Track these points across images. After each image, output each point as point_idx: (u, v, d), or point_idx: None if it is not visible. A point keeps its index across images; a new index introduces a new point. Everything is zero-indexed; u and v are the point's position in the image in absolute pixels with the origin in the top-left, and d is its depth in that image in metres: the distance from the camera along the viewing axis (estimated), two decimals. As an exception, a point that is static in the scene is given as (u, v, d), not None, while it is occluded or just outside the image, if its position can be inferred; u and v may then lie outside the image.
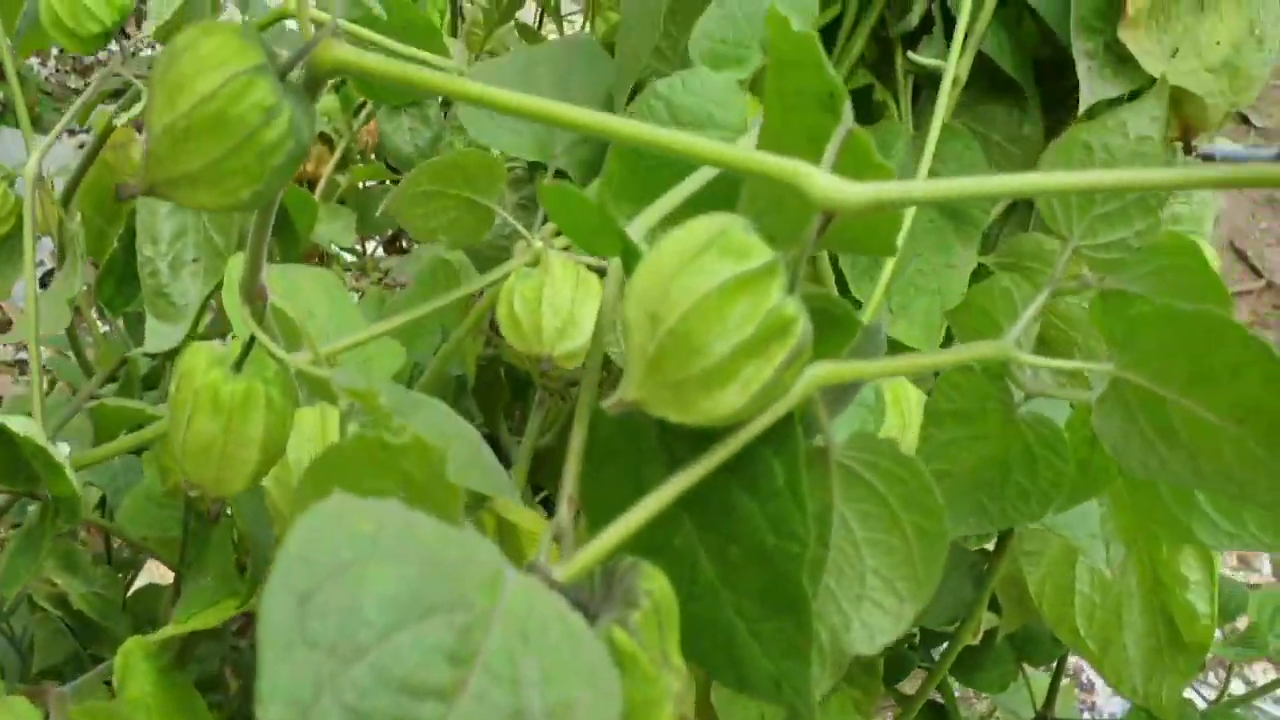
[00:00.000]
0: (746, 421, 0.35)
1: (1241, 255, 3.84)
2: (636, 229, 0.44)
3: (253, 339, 0.50)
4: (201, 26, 0.37)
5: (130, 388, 0.95)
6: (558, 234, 0.70)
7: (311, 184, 1.29)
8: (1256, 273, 3.52)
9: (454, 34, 1.16)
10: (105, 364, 1.06)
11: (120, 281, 0.99)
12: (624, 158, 0.52)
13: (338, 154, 1.25)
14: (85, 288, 1.01)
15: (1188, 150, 0.74)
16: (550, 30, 1.49)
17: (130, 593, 0.95)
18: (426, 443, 0.34)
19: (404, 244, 1.58)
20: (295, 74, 0.39)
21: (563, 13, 1.43)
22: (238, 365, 0.51)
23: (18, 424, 0.63)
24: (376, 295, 1.05)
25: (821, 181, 0.33)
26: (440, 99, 0.92)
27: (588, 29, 1.43)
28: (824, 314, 0.37)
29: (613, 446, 0.38)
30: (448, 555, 0.27)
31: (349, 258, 1.51)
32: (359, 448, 0.34)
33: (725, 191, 0.49)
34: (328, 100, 1.23)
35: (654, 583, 0.32)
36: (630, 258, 0.37)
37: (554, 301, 0.63)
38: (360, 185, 1.36)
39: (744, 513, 0.36)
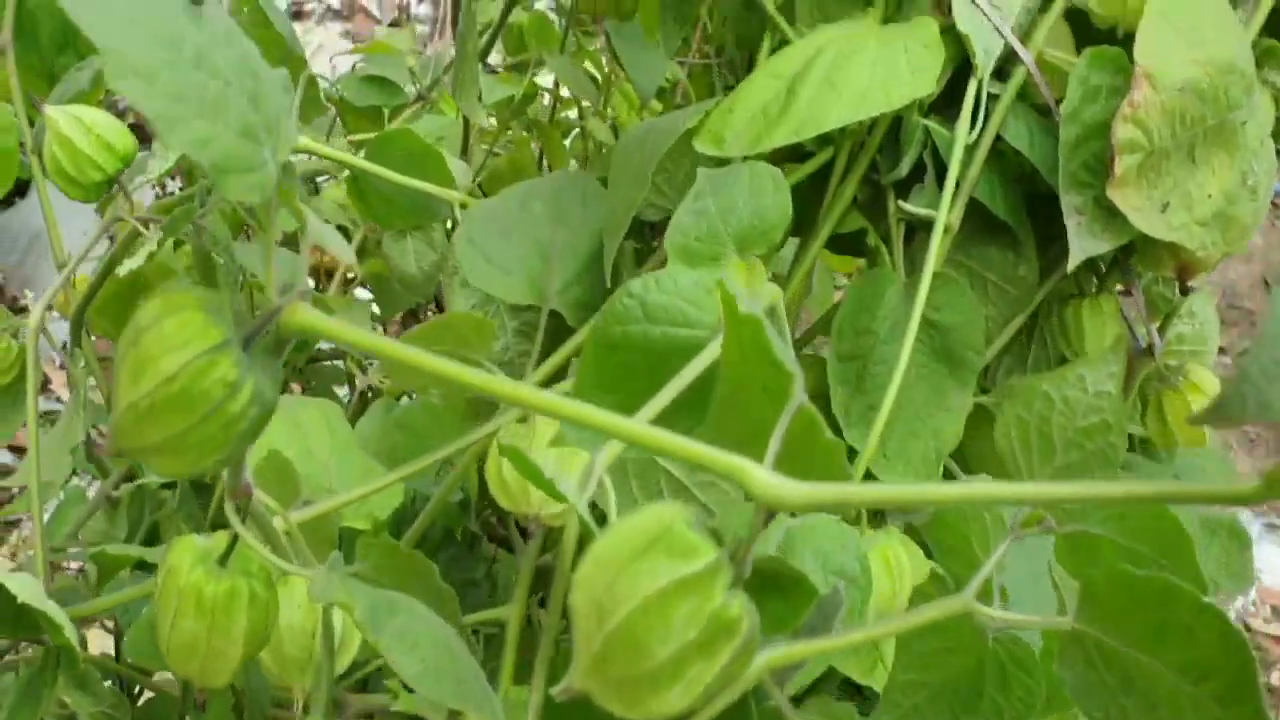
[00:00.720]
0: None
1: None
2: (601, 459, 0.44)
3: (236, 537, 0.51)
4: (165, 300, 0.37)
5: (141, 500, 0.97)
6: (547, 384, 0.70)
7: (329, 274, 1.31)
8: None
9: (466, 136, 1.16)
10: (121, 462, 1.07)
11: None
12: (597, 351, 0.53)
13: (354, 243, 1.26)
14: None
15: (1184, 291, 0.74)
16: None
17: (141, 701, 0.96)
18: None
19: (424, 316, 1.58)
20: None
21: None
22: (223, 560, 0.52)
23: (16, 584, 0.64)
24: (386, 401, 1.05)
25: (761, 480, 0.33)
26: (446, 221, 0.93)
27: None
28: (777, 580, 0.37)
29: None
30: None
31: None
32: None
33: (694, 401, 0.50)
34: (340, 191, 1.24)
35: None
36: (585, 530, 0.38)
37: (541, 461, 0.63)
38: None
39: (699, 785, 0.36)
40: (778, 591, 0.37)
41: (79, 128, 0.73)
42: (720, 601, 0.33)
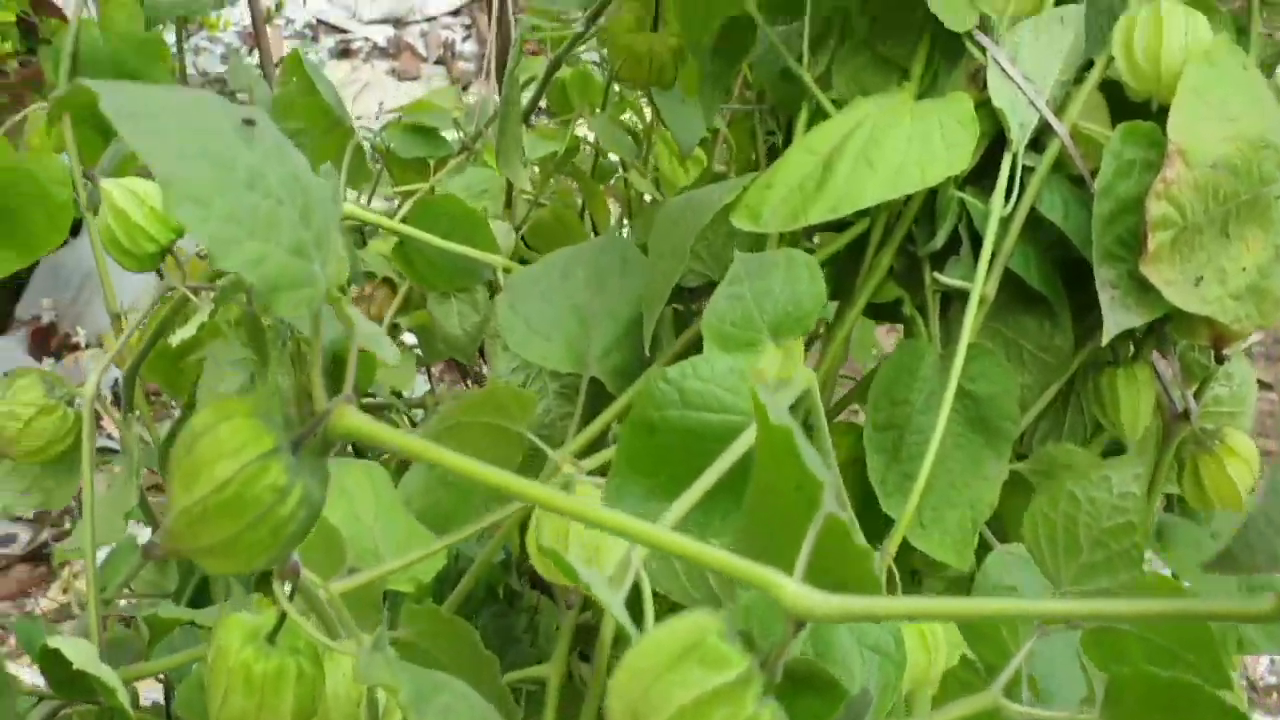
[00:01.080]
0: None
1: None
2: (637, 554, 0.45)
3: (284, 615, 0.53)
4: (218, 408, 0.39)
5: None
6: (585, 454, 0.71)
7: (376, 324, 1.32)
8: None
9: (510, 188, 1.18)
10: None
11: (183, 448, 1.02)
12: (635, 434, 0.54)
13: (400, 297, 1.28)
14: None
15: (1219, 360, 0.74)
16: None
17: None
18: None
19: (469, 365, 1.60)
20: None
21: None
22: (271, 637, 0.53)
23: (72, 650, 0.66)
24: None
25: (790, 592, 0.34)
26: (488, 283, 0.95)
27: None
28: (810, 679, 0.38)
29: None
30: None
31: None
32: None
33: (731, 483, 0.51)
34: (387, 244, 1.26)
35: None
36: (622, 632, 0.39)
37: (580, 534, 0.65)
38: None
39: None
40: (811, 690, 0.38)
41: (133, 200, 0.76)
42: (752, 711, 0.34)
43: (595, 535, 0.65)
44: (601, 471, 0.70)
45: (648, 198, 1.40)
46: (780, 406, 0.38)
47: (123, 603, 1.07)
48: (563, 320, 0.76)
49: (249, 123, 0.39)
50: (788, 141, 0.83)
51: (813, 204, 0.66)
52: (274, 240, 0.37)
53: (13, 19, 2.31)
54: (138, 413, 1.02)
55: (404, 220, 0.94)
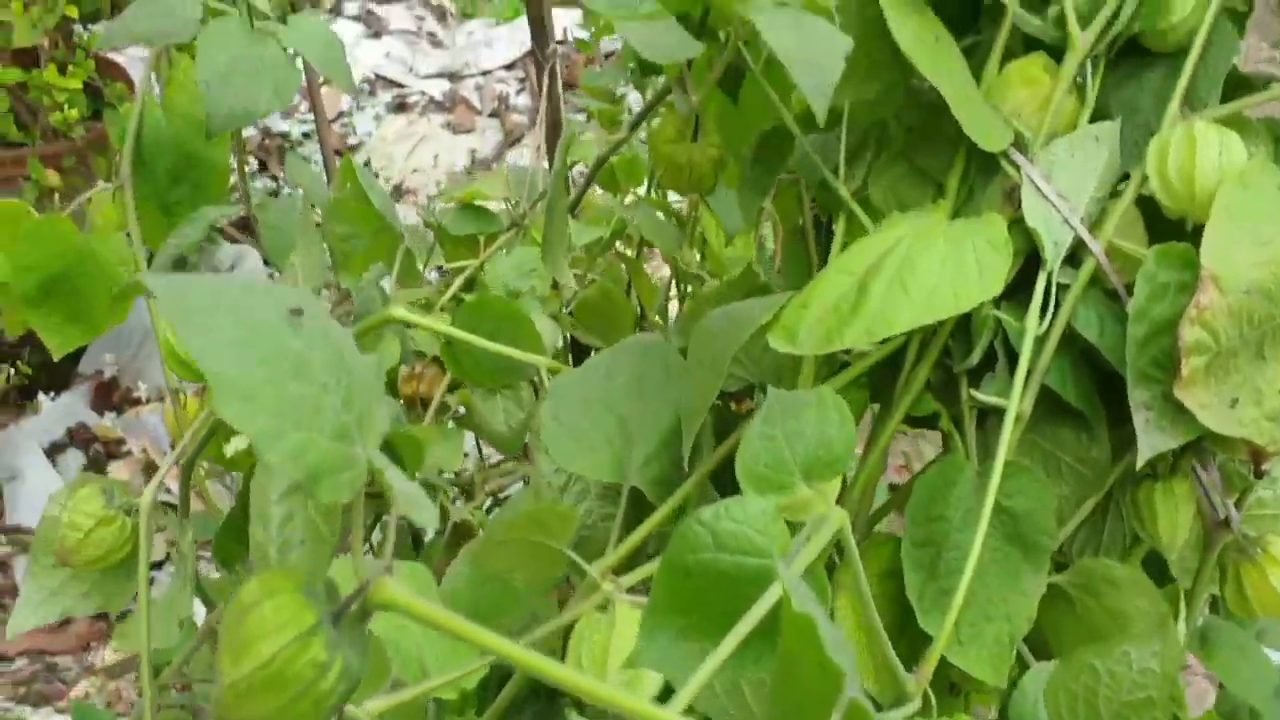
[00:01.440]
0: None
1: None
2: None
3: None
4: (264, 583, 0.41)
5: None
6: (623, 570, 0.73)
7: (424, 403, 1.35)
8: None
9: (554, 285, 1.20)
10: (225, 595, 1.12)
11: (239, 535, 1.05)
12: (670, 576, 0.56)
13: (449, 374, 1.30)
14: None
15: (1258, 475, 0.74)
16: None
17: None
18: None
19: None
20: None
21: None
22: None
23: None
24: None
25: (813, 788, 0.35)
26: (531, 381, 0.97)
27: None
28: None
29: None
30: None
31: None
32: None
33: (767, 628, 0.52)
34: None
35: None
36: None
37: (620, 652, 0.66)
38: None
39: None
40: None
41: (191, 313, 0.78)
42: None
43: (627, 684, 0.66)
44: (643, 587, 0.71)
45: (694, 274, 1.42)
46: (806, 592, 0.39)
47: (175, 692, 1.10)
48: (605, 429, 0.77)
49: (296, 312, 0.41)
50: (831, 220, 0.84)
51: (848, 326, 0.67)
52: (316, 428, 0.39)
53: (79, 86, 2.38)
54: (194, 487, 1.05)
55: (450, 316, 0.96)
